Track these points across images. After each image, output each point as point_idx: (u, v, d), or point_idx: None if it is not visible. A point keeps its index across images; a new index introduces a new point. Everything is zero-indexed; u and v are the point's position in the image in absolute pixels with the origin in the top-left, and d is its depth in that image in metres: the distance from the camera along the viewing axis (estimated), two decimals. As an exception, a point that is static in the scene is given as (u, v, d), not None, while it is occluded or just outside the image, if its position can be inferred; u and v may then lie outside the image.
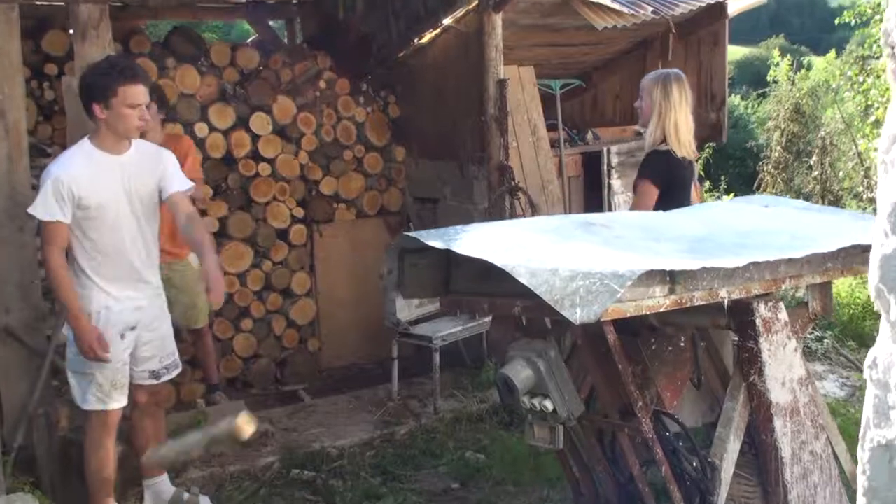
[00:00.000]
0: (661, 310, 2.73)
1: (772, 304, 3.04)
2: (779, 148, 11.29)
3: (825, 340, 6.75)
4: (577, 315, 2.49)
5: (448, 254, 3.24)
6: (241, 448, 4.97)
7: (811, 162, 11.15)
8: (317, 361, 6.79)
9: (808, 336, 6.57)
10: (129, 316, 3.97)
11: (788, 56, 11.86)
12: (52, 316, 4.67)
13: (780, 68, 11.62)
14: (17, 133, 4.45)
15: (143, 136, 5.26)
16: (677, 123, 4.08)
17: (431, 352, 5.52)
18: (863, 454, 1.08)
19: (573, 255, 2.72)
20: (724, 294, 2.89)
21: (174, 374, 4.26)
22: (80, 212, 3.78)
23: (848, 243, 3.01)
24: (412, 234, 3.02)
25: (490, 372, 5.76)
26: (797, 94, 11.31)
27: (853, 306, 7.23)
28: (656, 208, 3.85)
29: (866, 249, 3.19)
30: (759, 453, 3.14)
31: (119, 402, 3.96)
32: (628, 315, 2.66)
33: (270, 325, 6.57)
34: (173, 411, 5.44)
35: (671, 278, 2.72)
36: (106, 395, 3.91)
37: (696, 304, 2.82)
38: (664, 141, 4.09)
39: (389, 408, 5.58)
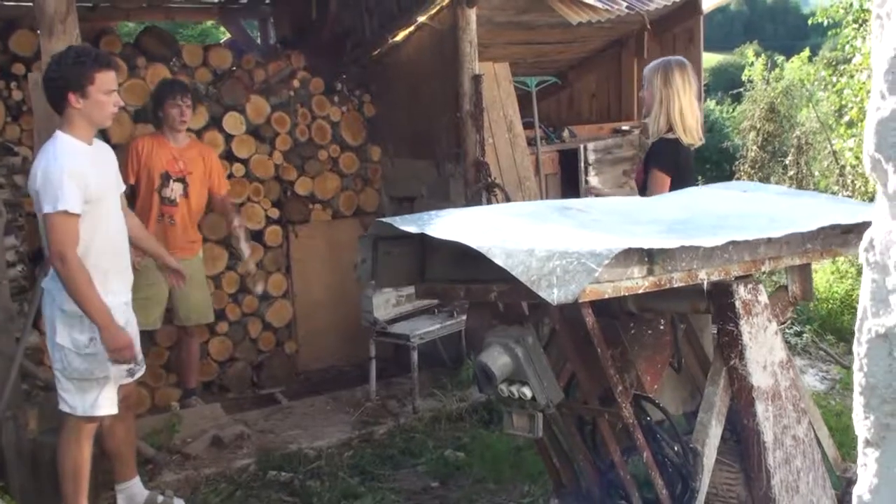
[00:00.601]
0: (640, 290, 2.68)
1: (751, 286, 2.99)
2: (755, 147, 11.32)
3: (804, 335, 6.74)
4: (555, 295, 2.43)
5: (423, 242, 3.18)
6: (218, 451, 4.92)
7: (787, 161, 11.19)
8: (294, 364, 6.71)
9: (787, 331, 6.57)
10: (123, 311, 3.93)
11: (763, 56, 11.93)
12: (20, 317, 4.56)
13: (755, 68, 11.67)
14: (-18, 130, 4.37)
15: (177, 134, 5.38)
16: (682, 110, 4.03)
17: (409, 351, 5.45)
18: (860, 348, 1.01)
19: (549, 236, 2.67)
20: (703, 275, 2.84)
21: (142, 372, 4.17)
22: (85, 206, 3.65)
23: (827, 223, 2.97)
24: (386, 220, 2.95)
25: (469, 371, 5.70)
26: (772, 94, 11.36)
27: (831, 301, 7.23)
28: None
29: (846, 230, 3.19)
30: (741, 438, 3.10)
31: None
32: (606, 296, 2.61)
33: (246, 328, 6.48)
34: (147, 415, 5.35)
35: (649, 258, 2.67)
36: (115, 396, 3.86)
37: (675, 285, 2.77)
38: (671, 129, 4.05)
39: (367, 408, 5.51)
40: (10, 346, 4.41)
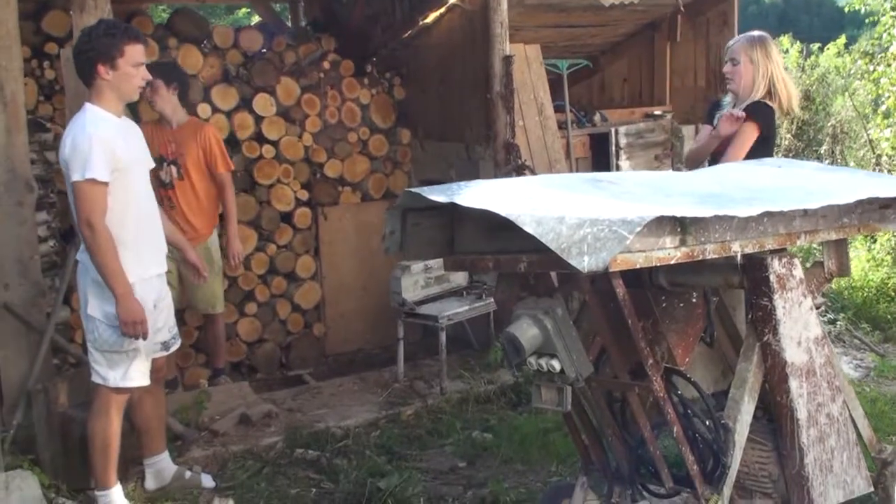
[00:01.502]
0: (672, 262, 2.64)
1: (786, 260, 2.94)
2: (789, 136, 11.17)
3: (838, 323, 6.64)
4: (585, 263, 2.39)
5: (452, 214, 3.16)
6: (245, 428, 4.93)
7: (822, 150, 11.02)
8: (322, 346, 6.71)
9: (821, 318, 6.47)
10: (157, 284, 3.96)
11: (798, 43, 11.75)
12: (51, 292, 4.60)
13: (790, 55, 11.50)
14: (14, 105, 4.40)
15: (169, 116, 5.27)
16: (785, 81, 4.15)
17: (437, 332, 5.43)
18: None
19: (580, 204, 2.63)
20: (737, 248, 2.79)
21: (178, 345, 4.19)
22: (113, 174, 3.66)
23: (865, 195, 2.90)
24: (415, 190, 2.92)
25: (497, 353, 5.67)
26: (807, 81, 11.19)
27: (867, 289, 7.13)
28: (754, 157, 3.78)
29: (884, 205, 3.11)
30: (775, 416, 3.04)
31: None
32: (638, 266, 2.57)
33: (275, 310, 6.49)
34: (176, 393, 5.37)
35: (682, 228, 2.63)
36: (147, 369, 3.90)
37: (708, 257, 2.72)
38: (768, 97, 4.13)
39: (395, 389, 5.50)
40: (41, 321, 4.47)
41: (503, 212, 2.57)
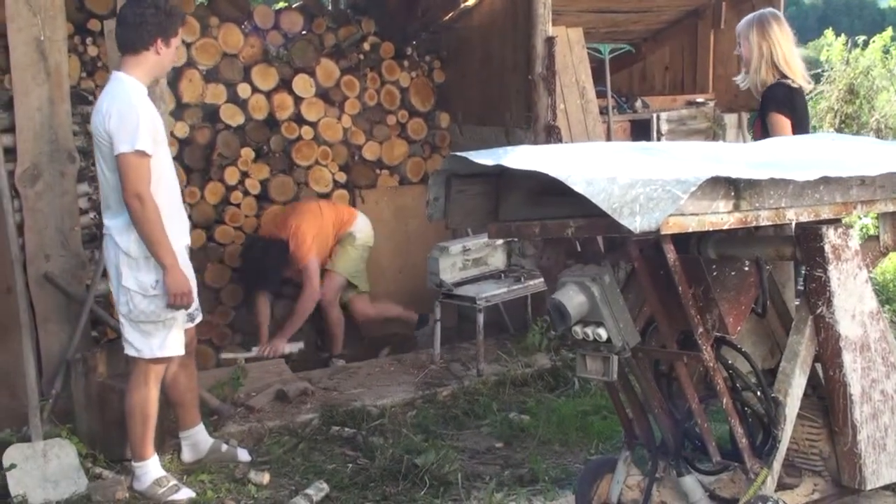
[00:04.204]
0: (725, 227, 2.57)
1: (842, 231, 2.86)
2: (832, 130, 11.01)
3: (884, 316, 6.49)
4: (637, 223, 2.34)
5: (497, 182, 3.11)
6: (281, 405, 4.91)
7: (865, 145, 10.86)
8: (357, 329, 6.67)
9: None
10: (182, 255, 3.92)
11: (843, 35, 11.58)
12: (91, 264, 4.60)
13: (834, 48, 11.34)
14: (58, 76, 4.41)
15: None
16: (786, 57, 3.98)
17: (474, 316, 5.37)
18: None
19: (632, 165, 2.57)
20: (792, 215, 2.72)
21: (200, 318, 4.16)
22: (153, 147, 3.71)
23: (926, 164, 2.82)
24: (460, 154, 2.88)
25: (535, 336, 5.60)
26: (851, 74, 11.02)
27: (912, 282, 6.98)
28: None
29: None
30: (826, 391, 2.96)
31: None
32: (690, 229, 2.50)
33: (311, 291, 6.46)
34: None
35: (736, 193, 2.56)
36: (182, 338, 3.90)
37: (762, 223, 2.65)
38: (778, 78, 3.99)
39: (431, 370, 5.44)
40: (81, 292, 4.47)
41: (553, 172, 2.52)
